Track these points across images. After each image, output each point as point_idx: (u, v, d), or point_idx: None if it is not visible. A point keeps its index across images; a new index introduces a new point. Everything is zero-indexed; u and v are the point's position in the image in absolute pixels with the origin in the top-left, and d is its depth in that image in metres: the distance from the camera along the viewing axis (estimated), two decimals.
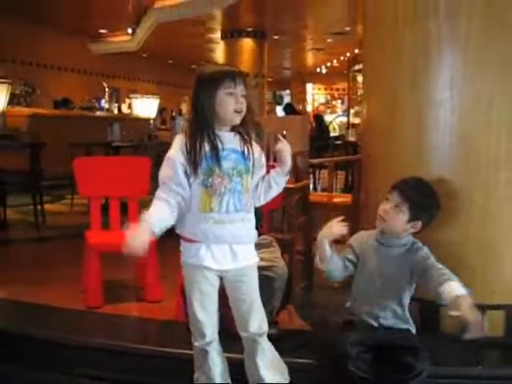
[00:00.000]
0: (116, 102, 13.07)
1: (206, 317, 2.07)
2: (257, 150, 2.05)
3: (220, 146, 1.96)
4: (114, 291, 3.20)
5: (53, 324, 2.82)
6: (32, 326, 2.80)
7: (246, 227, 2.03)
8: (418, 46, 2.67)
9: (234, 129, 2.02)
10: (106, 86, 12.40)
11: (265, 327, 2.10)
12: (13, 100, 8.94)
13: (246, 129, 2.02)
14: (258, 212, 2.18)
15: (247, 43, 10.70)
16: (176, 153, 1.97)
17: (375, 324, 2.21)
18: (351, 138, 8.39)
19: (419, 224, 2.18)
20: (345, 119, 13.27)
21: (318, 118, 10.75)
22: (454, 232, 2.61)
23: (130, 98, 12.39)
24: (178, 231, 2.04)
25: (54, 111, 9.74)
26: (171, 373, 2.43)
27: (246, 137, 2.01)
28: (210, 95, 1.95)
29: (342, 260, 2.24)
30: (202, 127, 1.97)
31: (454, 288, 1.99)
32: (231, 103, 1.95)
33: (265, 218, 2.93)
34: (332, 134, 11.39)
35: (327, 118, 13.72)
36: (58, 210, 6.54)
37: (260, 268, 2.28)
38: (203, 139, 1.96)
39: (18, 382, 2.51)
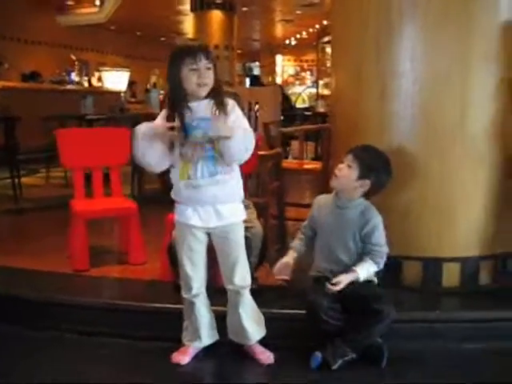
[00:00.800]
0: (86, 75, 12.96)
1: (194, 271, 2.29)
2: (233, 115, 2.19)
3: (189, 116, 2.14)
4: (98, 256, 3.35)
5: (42, 285, 2.98)
6: (21, 287, 2.95)
7: (227, 188, 2.23)
8: (381, 20, 2.86)
9: (208, 98, 2.17)
10: (74, 58, 12.30)
11: (248, 280, 2.33)
12: None
13: (218, 97, 2.17)
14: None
15: (216, 15, 10.67)
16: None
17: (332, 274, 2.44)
18: (320, 109, 8.58)
19: (367, 183, 2.41)
20: (314, 91, 13.43)
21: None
22: (412, 195, 2.85)
23: (99, 71, 12.34)
24: (171, 194, 2.28)
25: (25, 84, 9.65)
26: (157, 327, 2.62)
27: (216, 105, 2.16)
28: (176, 71, 2.15)
29: (306, 245, 2.57)
30: (174, 100, 2.18)
31: (362, 266, 2.37)
32: (194, 78, 2.13)
33: None
34: (301, 106, 11.55)
35: (296, 89, 13.86)
36: (34, 183, 6.61)
37: None
38: (176, 111, 2.16)
39: (10, 340, 2.65)
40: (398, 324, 2.59)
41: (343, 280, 2.34)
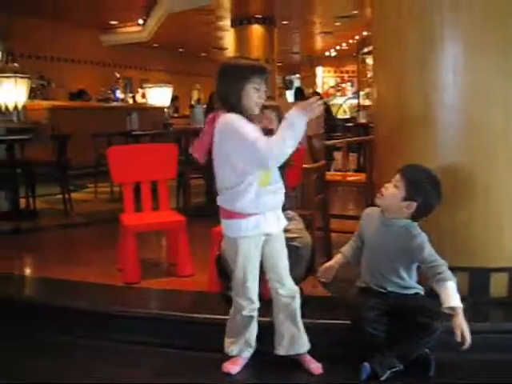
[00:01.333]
0: (130, 92, 13.29)
1: (255, 284, 2.35)
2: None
3: None
4: (147, 269, 3.44)
5: (95, 297, 3.11)
6: (75, 299, 3.07)
7: (282, 194, 2.33)
8: (422, 32, 2.87)
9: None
10: (118, 76, 12.63)
11: (296, 286, 2.39)
12: (29, 94, 9.18)
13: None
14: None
15: (256, 29, 10.83)
16: None
17: (384, 291, 2.43)
18: (362, 120, 8.56)
19: (413, 205, 2.34)
20: (355, 101, 13.40)
21: (316, 94, 10.82)
22: (459, 206, 2.84)
23: (143, 88, 12.63)
24: (235, 210, 2.26)
25: (73, 103, 10.00)
26: (205, 337, 2.67)
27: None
28: (238, 87, 2.21)
29: (354, 253, 2.56)
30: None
31: (449, 295, 2.26)
32: (255, 96, 2.22)
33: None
34: (343, 117, 11.55)
35: (337, 100, 13.85)
36: (83, 198, 6.82)
37: (288, 239, 2.56)
38: None
39: (64, 350, 2.76)
40: (447, 334, 2.59)
41: (462, 326, 2.24)
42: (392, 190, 2.38)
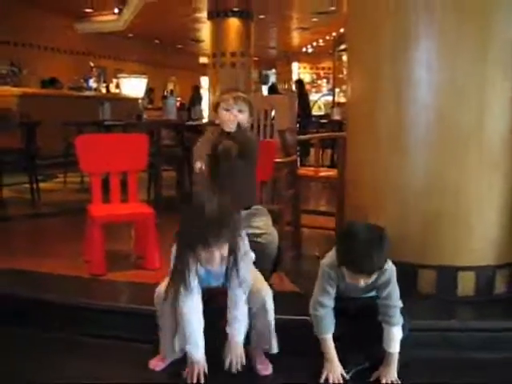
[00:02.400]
0: (104, 81, 13.12)
1: None
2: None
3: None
4: (114, 261, 3.37)
5: (60, 289, 3.03)
6: (39, 290, 3.00)
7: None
8: (396, 28, 2.87)
9: None
10: (92, 65, 12.46)
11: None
12: None
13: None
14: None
15: (233, 23, 10.75)
16: None
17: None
18: (336, 117, 8.57)
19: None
20: (330, 98, 13.43)
21: (299, 82, 10.66)
22: (428, 204, 2.85)
23: (117, 78, 12.49)
24: None
25: (45, 91, 9.80)
26: None
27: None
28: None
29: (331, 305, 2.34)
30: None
31: (390, 339, 2.27)
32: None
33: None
34: (318, 113, 11.57)
35: (312, 97, 13.86)
36: (52, 188, 6.69)
37: (254, 235, 2.55)
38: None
39: (27, 342, 2.71)
40: (412, 332, 2.60)
41: (391, 376, 2.28)
42: (369, 280, 2.23)
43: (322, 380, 2.28)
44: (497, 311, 2.83)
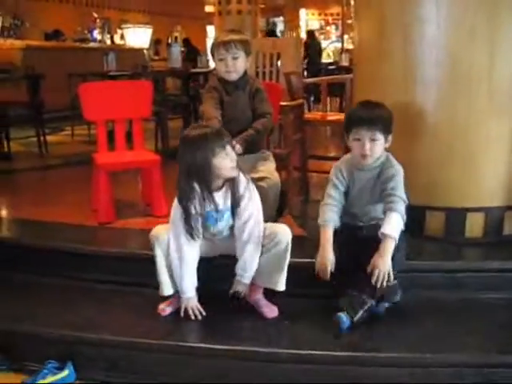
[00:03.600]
0: (108, 32, 12.89)
1: None
2: (243, 201, 2.31)
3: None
4: (122, 209, 3.39)
5: (68, 237, 3.05)
6: (48, 238, 3.04)
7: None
8: None
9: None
10: (96, 16, 12.22)
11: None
12: (2, 33, 8.89)
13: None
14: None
15: None
16: None
17: (358, 223, 2.45)
18: (345, 63, 8.44)
19: (390, 137, 2.37)
20: (339, 45, 13.19)
21: (310, 33, 10.45)
22: (437, 144, 2.80)
23: (121, 29, 12.28)
24: None
25: (49, 43, 9.69)
26: None
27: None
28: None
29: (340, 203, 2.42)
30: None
31: (388, 223, 2.25)
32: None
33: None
34: (327, 60, 11.38)
35: (322, 44, 13.56)
36: (60, 140, 6.68)
37: (255, 179, 2.54)
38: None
39: (38, 288, 2.76)
40: (420, 273, 2.60)
41: (384, 263, 2.22)
42: (375, 147, 2.33)
43: (316, 271, 2.33)
44: (505, 252, 2.81)
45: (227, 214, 2.33)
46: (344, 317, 2.26)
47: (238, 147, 2.51)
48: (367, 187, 2.41)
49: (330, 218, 2.37)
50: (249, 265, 2.32)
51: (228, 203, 2.31)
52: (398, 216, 2.27)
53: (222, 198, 2.30)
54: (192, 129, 2.29)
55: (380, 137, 2.34)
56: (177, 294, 2.42)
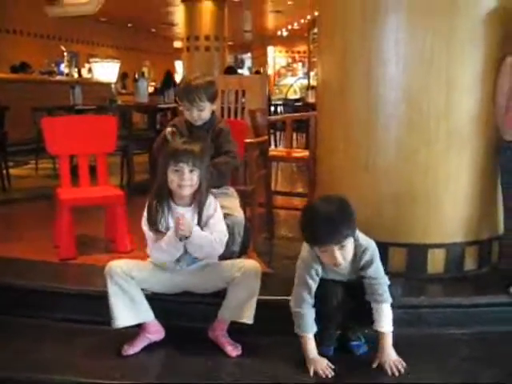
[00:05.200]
0: (76, 66, 12.87)
1: None
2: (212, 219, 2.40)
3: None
4: (85, 245, 3.34)
5: (29, 274, 2.97)
6: (8, 275, 2.96)
7: None
8: (366, 3, 2.85)
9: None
10: (64, 50, 12.20)
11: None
12: None
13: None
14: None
15: (207, 6, 10.64)
16: None
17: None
18: (311, 100, 8.57)
19: (357, 231, 2.22)
20: (305, 82, 13.42)
21: (230, 68, 9.25)
22: (398, 181, 2.86)
23: (89, 63, 12.28)
24: None
25: (14, 75, 9.59)
26: None
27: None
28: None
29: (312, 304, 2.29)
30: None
31: (381, 319, 2.24)
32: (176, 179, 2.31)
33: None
34: (293, 97, 11.56)
35: (288, 80, 13.77)
36: (23, 174, 6.58)
37: None
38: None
39: None
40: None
41: (390, 356, 2.25)
42: (346, 253, 2.19)
43: (311, 374, 2.22)
44: (467, 288, 2.86)
45: None
46: (355, 344, 2.39)
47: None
48: (343, 271, 2.31)
49: (309, 326, 2.26)
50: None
51: (195, 220, 2.36)
52: (387, 305, 2.26)
53: (188, 214, 2.35)
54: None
55: (349, 240, 2.17)
56: (140, 333, 2.39)
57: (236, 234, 2.70)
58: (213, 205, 2.41)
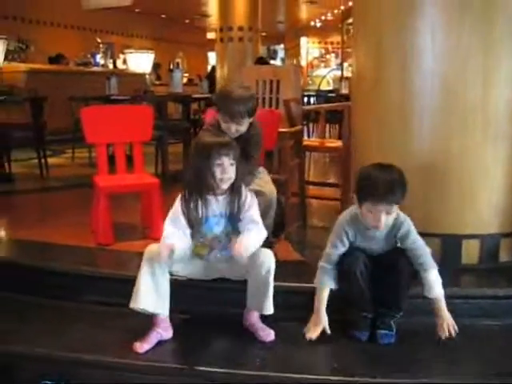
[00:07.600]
0: (111, 57, 13.06)
1: None
2: (248, 210, 2.41)
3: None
4: (121, 231, 3.40)
5: (67, 258, 3.07)
6: (47, 260, 3.05)
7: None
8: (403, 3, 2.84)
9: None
10: (99, 41, 12.39)
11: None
12: (7, 56, 9.00)
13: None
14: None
15: None
16: None
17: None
18: (344, 91, 8.51)
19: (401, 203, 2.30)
20: (339, 73, 13.30)
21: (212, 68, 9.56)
22: (433, 172, 2.85)
23: (124, 54, 12.42)
24: None
25: (52, 66, 9.79)
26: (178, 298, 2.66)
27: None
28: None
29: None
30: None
31: (430, 285, 2.32)
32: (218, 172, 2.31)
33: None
34: (326, 88, 11.49)
35: (321, 71, 13.68)
36: (61, 163, 6.73)
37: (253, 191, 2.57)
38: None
39: (35, 310, 2.76)
40: (417, 300, 2.61)
41: (446, 319, 2.33)
42: (388, 218, 2.28)
43: (305, 329, 2.36)
44: (501, 279, 2.83)
45: (224, 221, 2.41)
46: (383, 333, 2.39)
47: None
48: (377, 240, 2.40)
49: (326, 281, 2.39)
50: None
51: (227, 210, 2.40)
52: (432, 272, 2.33)
53: (222, 204, 2.39)
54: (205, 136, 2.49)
55: (395, 208, 2.29)
56: (151, 328, 2.40)
57: (267, 208, 2.72)
58: (249, 198, 2.43)
